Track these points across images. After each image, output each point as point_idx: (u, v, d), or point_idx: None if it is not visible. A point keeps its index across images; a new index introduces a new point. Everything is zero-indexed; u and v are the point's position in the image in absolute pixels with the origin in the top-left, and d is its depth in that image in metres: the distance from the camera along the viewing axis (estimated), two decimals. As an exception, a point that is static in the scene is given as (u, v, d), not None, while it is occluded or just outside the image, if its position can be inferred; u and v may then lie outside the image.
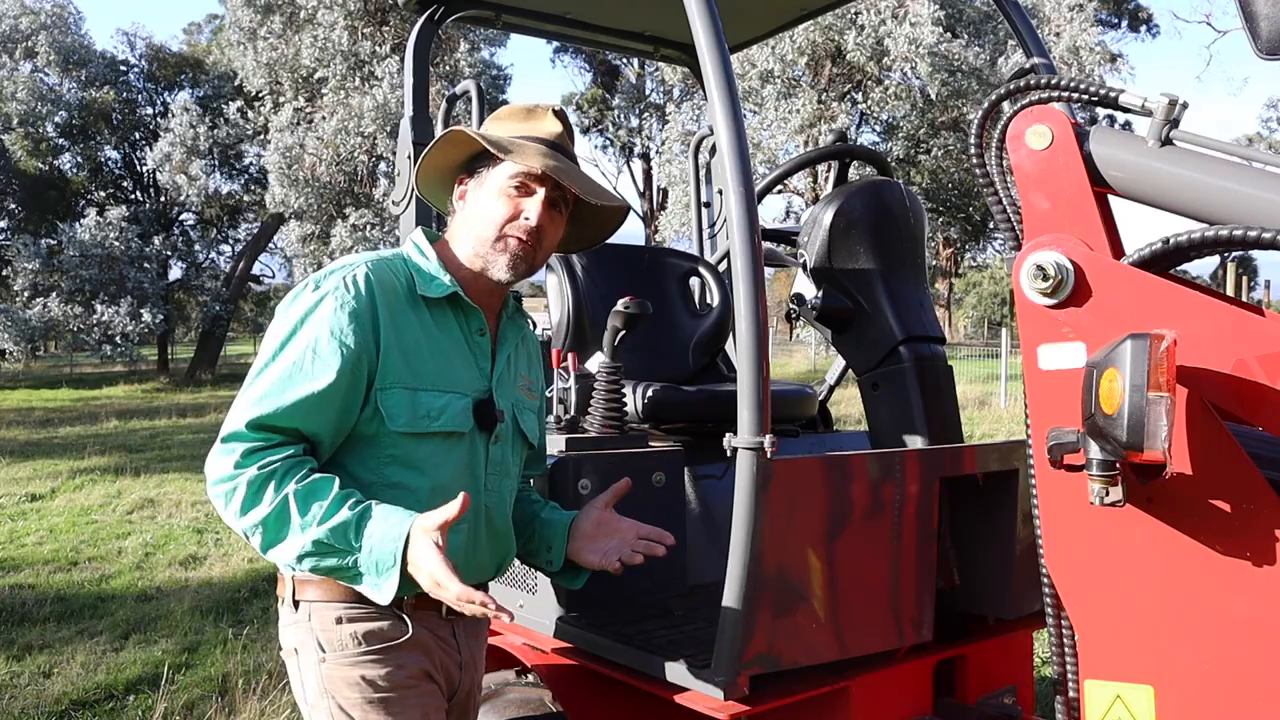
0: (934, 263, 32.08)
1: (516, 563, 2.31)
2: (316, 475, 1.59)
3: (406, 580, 1.55)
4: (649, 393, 2.59)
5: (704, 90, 1.96)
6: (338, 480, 1.59)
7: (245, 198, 26.23)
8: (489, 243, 1.75)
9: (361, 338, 1.64)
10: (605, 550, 1.85)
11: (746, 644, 1.83)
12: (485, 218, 1.76)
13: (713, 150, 3.70)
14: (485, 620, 1.95)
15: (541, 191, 1.75)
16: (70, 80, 25.32)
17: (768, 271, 2.00)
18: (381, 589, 1.56)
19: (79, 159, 27.13)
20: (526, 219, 1.74)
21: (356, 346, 1.63)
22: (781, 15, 3.20)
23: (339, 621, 1.68)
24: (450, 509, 1.51)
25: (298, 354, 1.62)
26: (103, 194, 26.45)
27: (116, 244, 22.46)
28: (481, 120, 2.99)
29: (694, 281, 3.28)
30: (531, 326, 2.00)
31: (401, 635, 1.70)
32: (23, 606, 5.48)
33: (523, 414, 1.90)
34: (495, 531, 1.82)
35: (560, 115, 1.85)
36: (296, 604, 1.72)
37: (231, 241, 27.97)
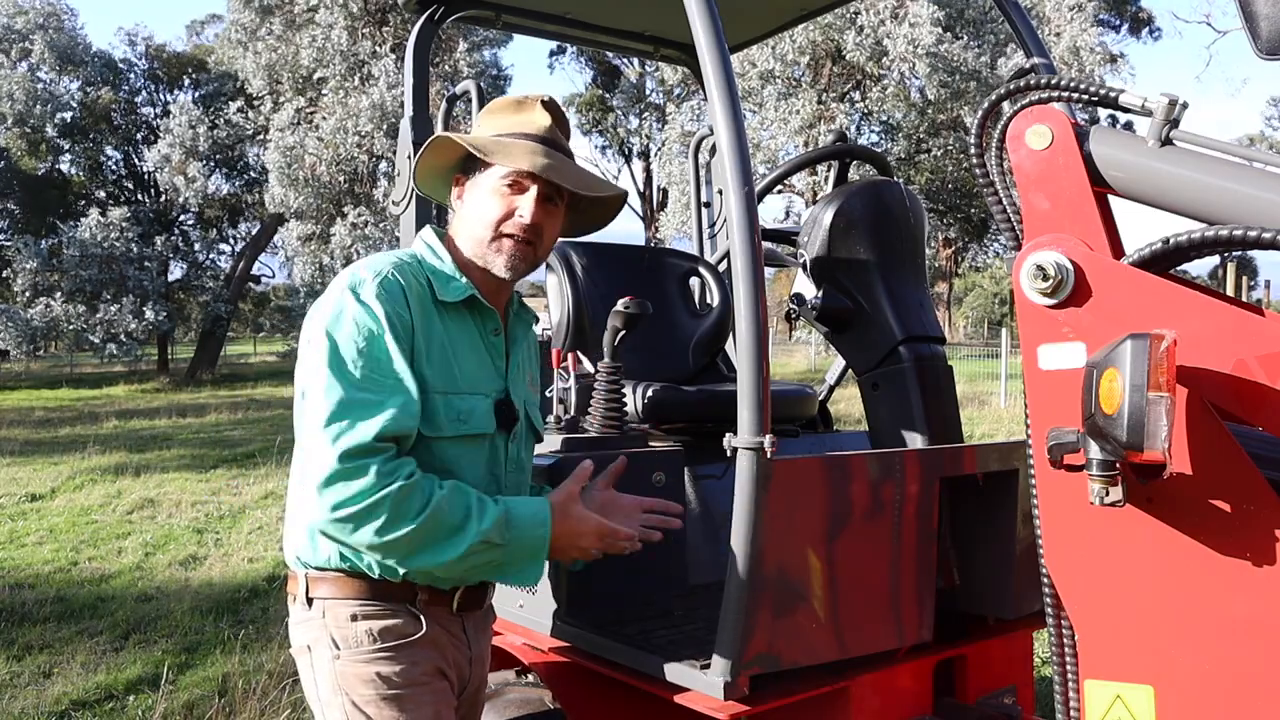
0: (934, 263, 32.08)
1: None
2: (447, 481, 1.63)
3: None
4: (649, 393, 2.59)
5: (704, 90, 1.96)
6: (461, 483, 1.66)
7: (246, 197, 26.23)
8: (485, 243, 1.76)
9: (409, 340, 1.66)
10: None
11: (746, 644, 1.83)
12: (480, 218, 1.76)
13: (713, 150, 3.70)
14: (492, 615, 1.98)
15: (534, 189, 1.74)
16: (69, 80, 25.31)
17: (768, 271, 2.00)
18: (528, 573, 1.69)
19: (79, 159, 27.13)
20: (521, 217, 1.74)
21: (409, 348, 1.65)
22: (781, 15, 3.20)
23: (354, 619, 1.69)
24: (578, 477, 1.76)
25: (373, 362, 1.60)
26: (103, 194, 26.46)
27: (117, 244, 22.47)
28: (481, 120, 2.99)
29: (694, 281, 3.28)
30: (536, 320, 2.01)
31: (416, 632, 1.70)
32: (23, 606, 5.48)
33: (532, 410, 1.94)
34: None
35: (549, 106, 1.83)
36: (310, 601, 1.72)
37: (231, 241, 28.00)
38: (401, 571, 1.68)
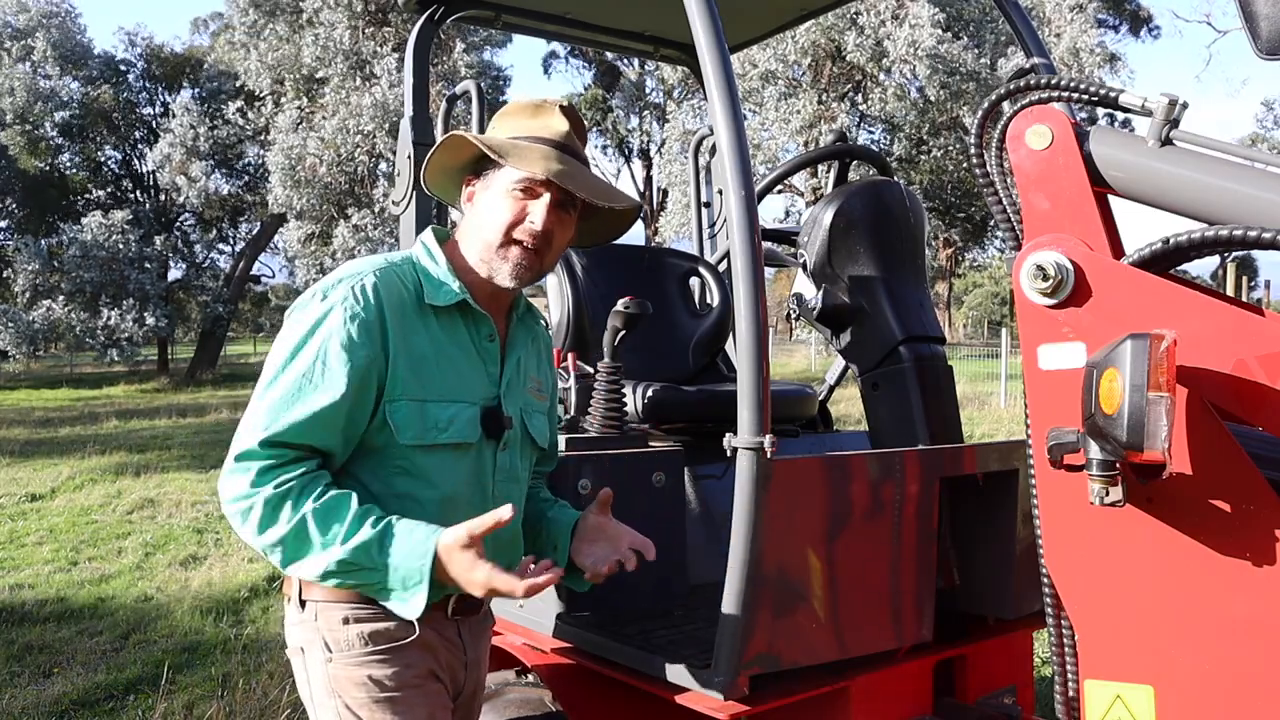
0: (934, 263, 32.07)
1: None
2: (333, 492, 1.58)
3: (434, 591, 1.59)
4: (649, 393, 2.59)
5: (704, 90, 1.95)
6: (355, 496, 1.59)
7: (247, 197, 26.22)
8: (494, 247, 1.72)
9: (370, 350, 1.62)
10: (595, 556, 1.82)
11: (746, 644, 1.83)
12: (491, 221, 1.72)
13: (713, 150, 3.70)
14: (490, 619, 1.96)
15: (547, 195, 1.70)
16: (69, 79, 25.30)
17: (768, 271, 2.00)
18: (408, 604, 1.58)
19: (78, 158, 27.11)
20: (532, 223, 1.70)
21: (365, 359, 1.61)
22: (781, 15, 3.20)
23: (346, 621, 1.68)
24: (481, 522, 1.54)
25: (306, 366, 1.60)
26: (103, 194, 26.45)
27: (118, 245, 22.46)
28: (482, 121, 2.99)
29: (694, 281, 3.28)
30: (544, 325, 1.99)
31: (408, 635, 1.69)
32: (23, 606, 5.48)
33: (531, 417, 1.87)
34: (501, 538, 1.81)
35: (568, 111, 1.80)
36: (303, 603, 1.71)
37: (231, 241, 27.99)
38: None
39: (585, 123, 1.87)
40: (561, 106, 1.80)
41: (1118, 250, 1.51)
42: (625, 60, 32.78)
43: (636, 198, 1.94)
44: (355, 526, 1.56)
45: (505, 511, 1.54)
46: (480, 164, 1.77)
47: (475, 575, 1.55)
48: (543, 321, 1.98)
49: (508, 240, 1.71)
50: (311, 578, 1.59)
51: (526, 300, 1.90)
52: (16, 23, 24.55)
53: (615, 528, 1.85)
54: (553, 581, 1.56)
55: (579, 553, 1.84)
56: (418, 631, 1.70)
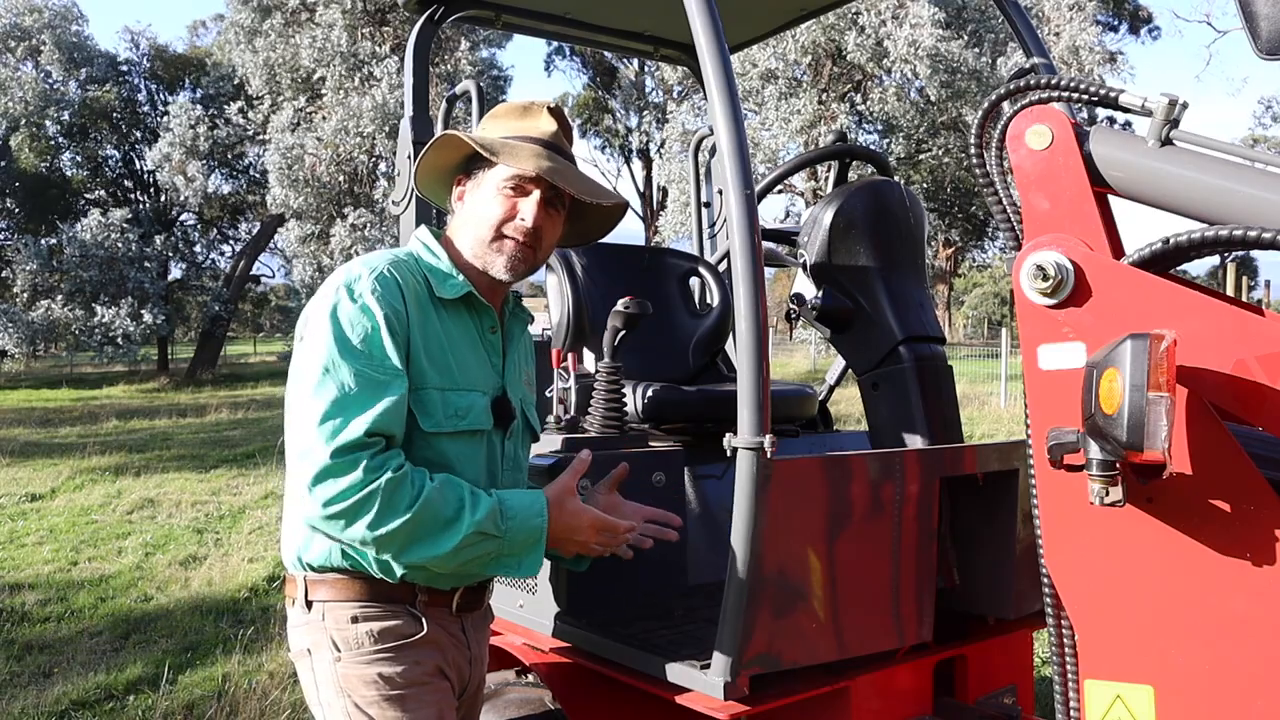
0: (934, 263, 32.03)
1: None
2: (439, 475, 1.63)
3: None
4: (649, 393, 2.59)
5: (704, 90, 1.95)
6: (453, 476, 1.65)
7: (247, 197, 26.21)
8: (486, 243, 1.77)
9: (404, 335, 1.66)
10: None
11: (746, 644, 1.83)
12: (482, 218, 1.77)
13: (713, 150, 3.69)
14: (490, 615, 1.98)
15: (537, 192, 1.75)
16: (72, 79, 25.29)
17: (768, 271, 2.00)
18: (525, 564, 1.67)
19: (79, 158, 27.10)
20: (522, 220, 1.75)
21: (404, 344, 1.66)
22: (781, 15, 3.20)
23: (354, 620, 1.69)
24: (573, 471, 1.75)
25: (368, 357, 1.60)
26: (103, 193, 26.43)
27: (118, 244, 22.45)
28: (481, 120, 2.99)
29: (694, 281, 3.28)
30: (531, 320, 2.02)
31: (416, 632, 1.71)
32: (23, 606, 5.48)
33: (529, 408, 1.94)
34: None
35: (556, 113, 1.85)
36: (309, 604, 1.72)
37: (231, 241, 27.97)
38: (399, 572, 1.68)
39: (572, 124, 1.92)
40: (549, 108, 1.85)
41: (1118, 250, 1.51)
42: (625, 60, 32.78)
43: (626, 196, 1.98)
44: (475, 499, 1.61)
45: (584, 455, 1.80)
46: (471, 164, 1.81)
47: (585, 519, 1.73)
48: (527, 314, 2.01)
49: (498, 236, 1.76)
50: (429, 558, 1.59)
51: (516, 294, 1.93)
52: (22, 23, 24.52)
53: (625, 507, 1.90)
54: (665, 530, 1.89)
55: None
56: (425, 629, 1.71)
